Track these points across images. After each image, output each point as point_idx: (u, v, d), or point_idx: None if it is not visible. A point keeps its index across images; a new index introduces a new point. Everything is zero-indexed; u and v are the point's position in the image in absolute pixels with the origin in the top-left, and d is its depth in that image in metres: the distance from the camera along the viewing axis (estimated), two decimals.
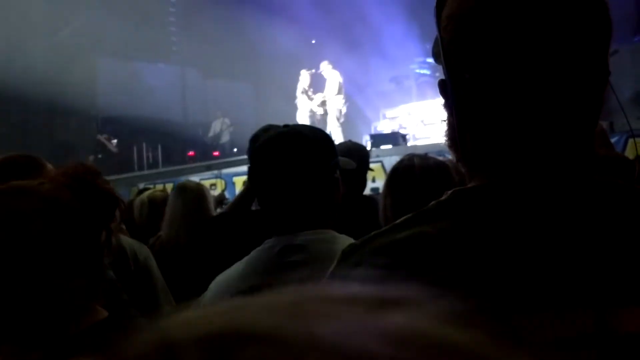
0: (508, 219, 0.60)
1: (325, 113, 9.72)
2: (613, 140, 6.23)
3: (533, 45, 0.59)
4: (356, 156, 2.37)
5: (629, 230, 0.58)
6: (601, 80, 0.63)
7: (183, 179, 9.62)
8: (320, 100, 9.81)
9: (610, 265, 0.56)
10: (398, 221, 0.65)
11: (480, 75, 0.62)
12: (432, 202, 0.65)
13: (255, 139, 1.30)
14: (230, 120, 12.27)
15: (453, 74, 0.65)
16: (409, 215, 0.65)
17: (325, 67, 9.72)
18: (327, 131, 9.18)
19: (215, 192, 8.53)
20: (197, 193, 2.83)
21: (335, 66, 9.79)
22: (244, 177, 7.55)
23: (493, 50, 0.61)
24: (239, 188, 8.18)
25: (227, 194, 8.36)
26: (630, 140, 6.16)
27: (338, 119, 9.62)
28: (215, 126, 12.31)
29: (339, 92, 9.64)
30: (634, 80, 8.19)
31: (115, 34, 12.51)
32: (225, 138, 12.09)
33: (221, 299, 1.22)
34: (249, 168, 1.30)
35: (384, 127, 10.33)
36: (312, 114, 9.87)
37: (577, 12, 0.60)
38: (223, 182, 8.68)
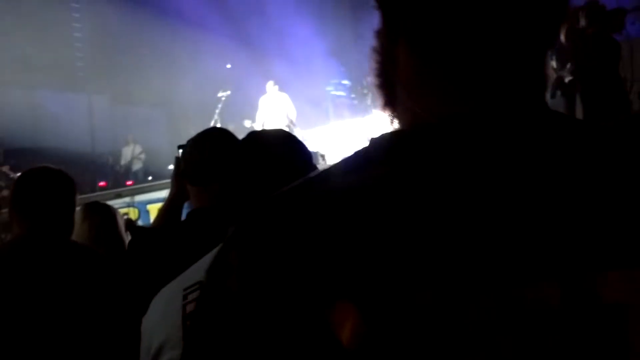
0: (455, 165, 0.47)
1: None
2: None
3: None
4: None
5: (595, 177, 0.47)
6: None
7: None
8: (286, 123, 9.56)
9: (577, 221, 0.45)
10: (318, 172, 0.51)
11: None
12: (359, 149, 0.52)
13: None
14: (142, 147, 11.86)
15: None
16: (328, 166, 0.51)
17: (272, 89, 9.45)
18: None
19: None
20: (106, 214, 2.63)
21: (281, 88, 9.58)
22: (159, 204, 7.22)
23: None
24: (153, 217, 7.81)
25: (140, 223, 7.98)
26: None
27: None
28: (126, 153, 11.86)
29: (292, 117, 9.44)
30: None
31: (17, 62, 11.88)
32: (137, 165, 11.65)
33: (167, 300, 1.20)
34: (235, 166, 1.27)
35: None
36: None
37: None
38: (136, 210, 8.27)
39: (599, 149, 0.49)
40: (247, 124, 9.93)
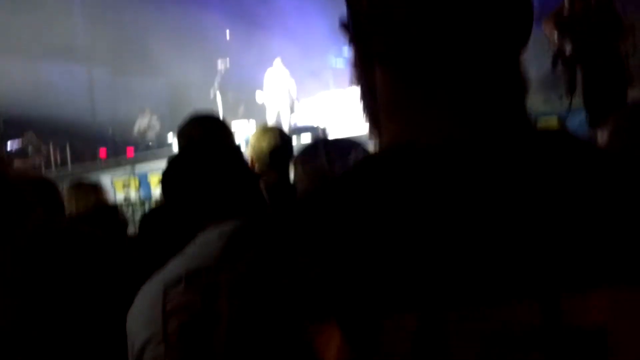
0: (434, 186, 0.47)
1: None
2: None
3: None
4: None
5: (575, 198, 0.47)
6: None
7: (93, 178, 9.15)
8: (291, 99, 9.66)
9: (556, 240, 0.45)
10: (303, 197, 0.54)
11: None
12: (341, 172, 0.55)
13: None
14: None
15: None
16: (312, 190, 0.56)
17: (278, 64, 9.63)
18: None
19: (130, 192, 8.12)
20: (92, 193, 2.62)
21: (282, 58, 9.76)
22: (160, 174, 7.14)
23: None
24: (154, 186, 7.82)
25: (141, 192, 8.00)
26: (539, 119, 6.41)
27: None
28: (142, 122, 11.85)
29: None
30: (536, 68, 8.54)
31: (16, 32, 11.75)
32: (151, 135, 11.67)
33: (149, 297, 1.19)
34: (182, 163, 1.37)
35: (302, 118, 10.27)
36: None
37: None
38: (137, 180, 8.27)
39: (579, 168, 0.49)
40: (258, 94, 9.93)
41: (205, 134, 1.94)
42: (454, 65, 0.50)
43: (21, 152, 11.09)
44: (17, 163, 10.24)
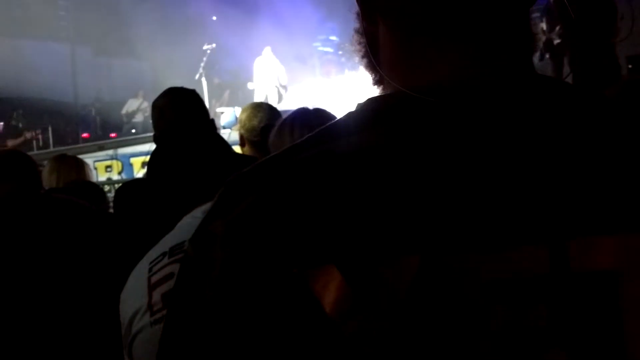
0: (438, 128, 0.46)
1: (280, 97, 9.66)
2: None
3: None
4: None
5: (585, 142, 0.45)
6: None
7: None
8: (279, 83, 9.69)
9: (564, 184, 0.44)
10: (298, 141, 0.50)
11: None
12: (344, 115, 0.51)
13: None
14: (126, 98, 11.76)
15: None
16: (311, 133, 0.50)
17: (267, 53, 9.61)
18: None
19: (112, 175, 8.04)
20: (73, 166, 2.60)
21: (268, 44, 9.79)
22: (143, 158, 7.11)
23: None
24: (137, 170, 7.74)
25: (124, 176, 7.92)
26: None
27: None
28: (132, 104, 11.73)
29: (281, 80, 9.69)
30: None
31: None
32: (139, 118, 11.56)
33: (137, 274, 1.24)
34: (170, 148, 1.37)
35: (289, 104, 10.26)
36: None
37: None
38: (120, 163, 8.19)
39: (590, 114, 0.48)
40: (250, 86, 9.92)
41: (177, 107, 1.99)
42: (457, 16, 0.48)
43: (12, 132, 11.01)
44: (10, 143, 10.19)
